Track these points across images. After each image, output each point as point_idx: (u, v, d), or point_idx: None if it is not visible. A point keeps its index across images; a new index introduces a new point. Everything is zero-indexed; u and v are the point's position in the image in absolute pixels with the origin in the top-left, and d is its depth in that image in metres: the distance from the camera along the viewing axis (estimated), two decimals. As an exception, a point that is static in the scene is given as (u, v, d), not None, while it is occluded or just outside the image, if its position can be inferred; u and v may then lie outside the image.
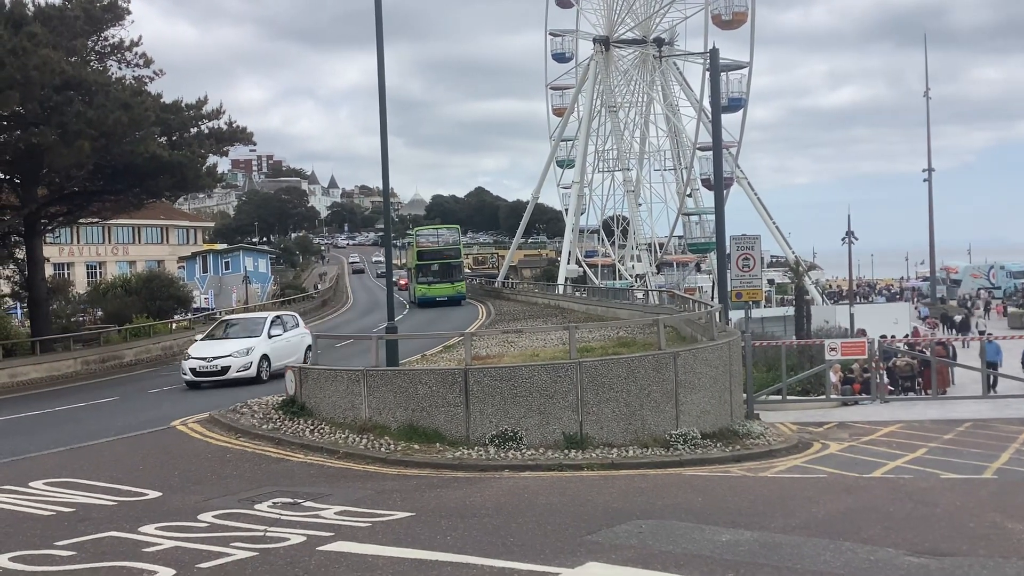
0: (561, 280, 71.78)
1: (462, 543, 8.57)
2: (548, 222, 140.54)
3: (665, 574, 7.43)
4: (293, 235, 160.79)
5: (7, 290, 39.61)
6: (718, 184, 25.54)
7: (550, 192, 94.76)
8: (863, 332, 35.05)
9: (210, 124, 36.60)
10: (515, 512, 10.26)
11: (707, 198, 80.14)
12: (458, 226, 74.60)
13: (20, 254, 37.57)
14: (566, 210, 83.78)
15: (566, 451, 14.43)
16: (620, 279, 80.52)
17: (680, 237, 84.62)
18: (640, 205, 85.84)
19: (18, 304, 42.63)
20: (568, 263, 78.08)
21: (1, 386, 28.92)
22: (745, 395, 19.90)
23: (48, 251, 44.91)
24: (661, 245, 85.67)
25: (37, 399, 24.85)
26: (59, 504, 10.95)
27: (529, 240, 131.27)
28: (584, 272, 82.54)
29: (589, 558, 7.95)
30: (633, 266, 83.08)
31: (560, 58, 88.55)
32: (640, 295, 51.16)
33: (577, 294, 56.32)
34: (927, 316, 52.89)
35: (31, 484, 12.15)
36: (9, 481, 12.37)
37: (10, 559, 8.27)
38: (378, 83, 20.32)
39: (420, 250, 60.14)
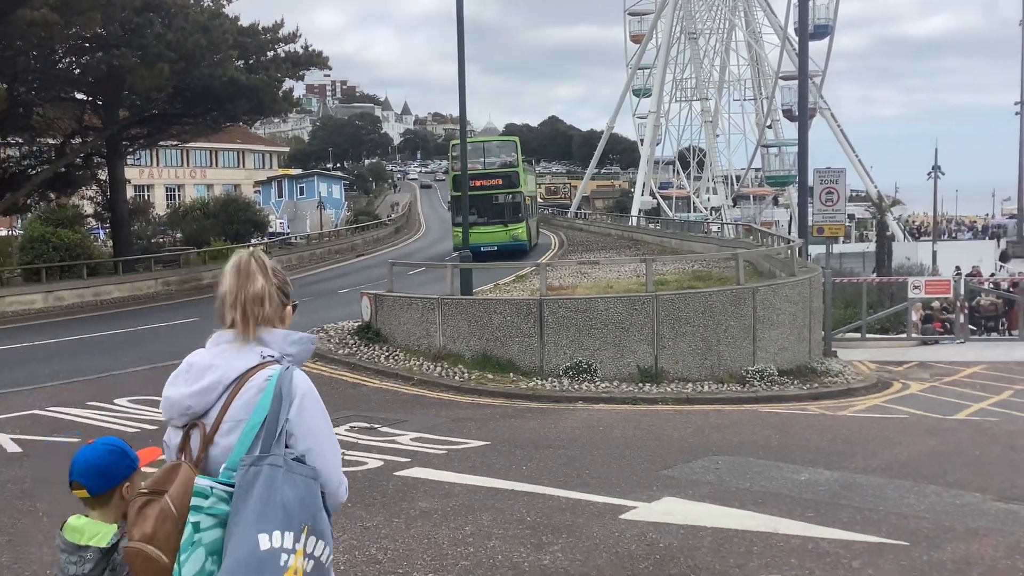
0: (634, 212, 71.06)
1: (537, 473, 8.56)
2: (622, 152, 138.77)
3: (743, 511, 7.32)
4: (366, 161, 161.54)
5: (90, 210, 40.64)
6: (802, 115, 24.74)
7: (625, 122, 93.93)
8: (958, 270, 33.94)
9: (286, 48, 36.63)
10: (589, 444, 10.23)
11: (788, 129, 78.37)
12: (516, 138, 47.03)
13: (103, 175, 38.47)
14: (641, 140, 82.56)
15: (640, 385, 14.32)
16: (695, 211, 79.45)
17: (758, 170, 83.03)
18: (718, 136, 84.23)
19: (100, 225, 43.75)
20: (642, 194, 77.19)
21: (86, 304, 29.84)
22: (824, 332, 19.49)
23: (129, 173, 45.88)
24: (738, 177, 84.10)
25: (120, 318, 25.56)
26: (143, 421, 11.25)
27: (602, 171, 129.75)
28: (658, 204, 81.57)
29: (666, 493, 7.87)
30: (709, 198, 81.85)
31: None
32: (715, 228, 50.36)
33: (651, 226, 55.67)
34: None
35: (116, 401, 12.50)
36: (96, 398, 12.75)
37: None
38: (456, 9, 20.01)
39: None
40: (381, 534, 6.71)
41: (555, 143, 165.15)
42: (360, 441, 10.04)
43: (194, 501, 2.47)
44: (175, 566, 2.44)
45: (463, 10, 20.13)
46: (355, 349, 16.35)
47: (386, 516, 7.14)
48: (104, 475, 2.81)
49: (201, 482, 2.48)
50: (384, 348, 16.20)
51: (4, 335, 22.50)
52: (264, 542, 2.38)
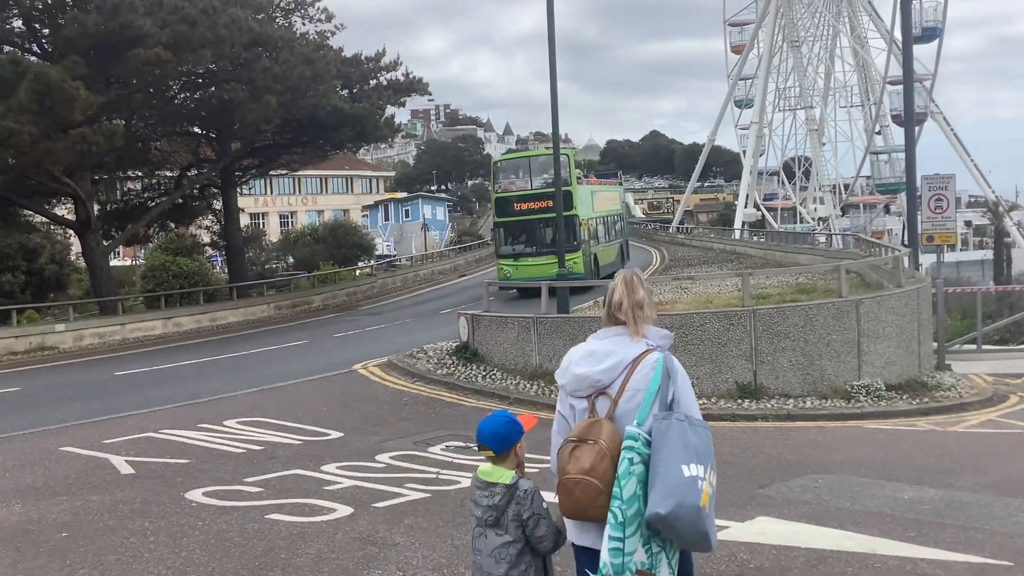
0: (738, 224, 69.95)
1: (629, 492, 8.50)
2: (725, 165, 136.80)
3: (840, 531, 7.14)
4: (469, 183, 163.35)
5: (207, 239, 42.32)
6: (909, 120, 23.98)
7: (727, 134, 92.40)
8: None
9: (388, 76, 37.64)
10: (684, 462, 10.09)
11: (897, 135, 75.89)
12: (570, 151, 42.38)
13: (217, 205, 40.08)
14: (744, 152, 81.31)
15: (739, 401, 14.08)
16: (801, 223, 77.65)
17: (867, 177, 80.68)
18: (824, 144, 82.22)
19: (218, 253, 45.55)
20: (745, 207, 75.94)
21: (203, 329, 31.05)
22: (935, 344, 18.80)
23: (243, 202, 47.67)
24: (846, 186, 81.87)
25: (233, 342, 26.51)
26: (249, 442, 11.63)
27: (705, 184, 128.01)
28: (762, 216, 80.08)
29: (760, 512, 7.74)
30: (815, 209, 79.90)
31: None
32: (822, 239, 49.16)
33: (755, 239, 54.70)
34: None
35: (225, 423, 12.97)
36: (206, 420, 13.25)
37: (203, 494, 8.87)
38: (548, 27, 20.15)
39: (501, 197, 34.41)
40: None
41: (657, 158, 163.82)
42: (455, 460, 10.18)
43: (627, 443, 3.52)
44: (615, 489, 3.46)
45: (554, 26, 20.26)
46: (453, 369, 16.58)
47: (476, 535, 7.22)
48: (504, 439, 3.96)
49: (632, 430, 3.55)
50: (481, 367, 16.38)
51: (125, 361, 23.62)
52: (686, 471, 3.41)
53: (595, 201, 35.62)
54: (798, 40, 79.96)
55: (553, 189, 30.31)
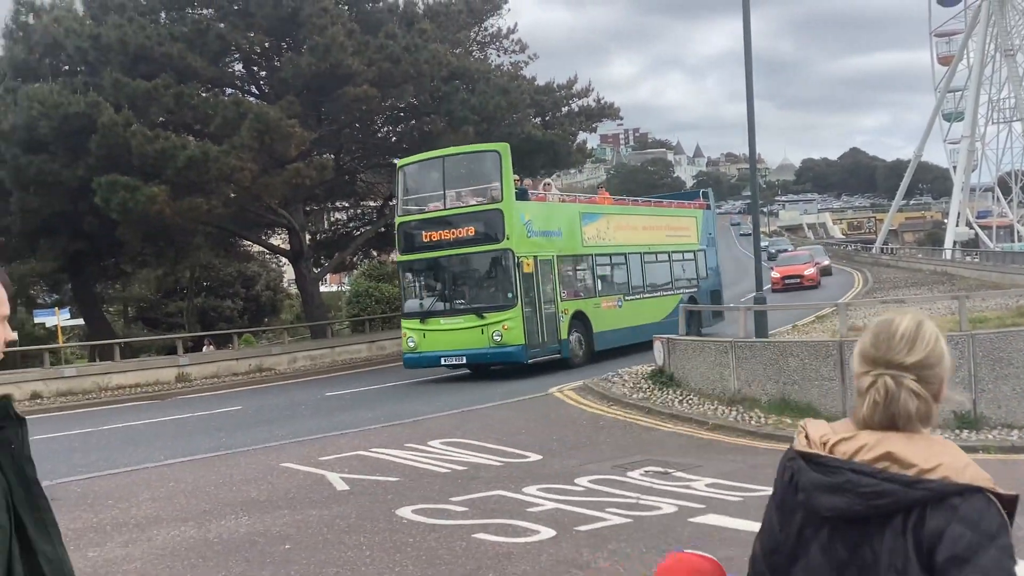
0: (948, 244, 65.99)
1: (839, 524, 8.20)
2: (932, 181, 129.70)
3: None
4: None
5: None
6: None
7: (935, 149, 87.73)
8: None
9: (579, 102, 38.09)
10: (898, 495, 9.62)
11: None
12: (501, 147, 21.71)
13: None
14: (954, 167, 76.71)
15: (957, 431, 13.24)
16: (1020, 241, 72.39)
17: (1095, 191, 74.34)
18: (1044, 158, 76.50)
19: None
20: (957, 225, 71.53)
21: (397, 354, 32.22)
22: None
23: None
24: (1070, 202, 75.76)
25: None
26: (453, 462, 12.00)
27: (911, 202, 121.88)
28: (976, 235, 75.20)
29: (984, 551, 7.27)
30: (1036, 227, 74.36)
31: (946, 1, 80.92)
32: (1045, 259, 45.59)
33: (968, 259, 51.45)
34: None
35: (430, 443, 13.44)
36: (412, 440, 13.78)
37: (412, 511, 9.24)
38: (744, 44, 19.86)
39: (405, 222, 23.29)
40: (675, 579, 6.74)
41: (856, 176, 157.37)
42: (655, 486, 10.11)
43: None
44: None
45: (751, 43, 19.94)
46: (649, 393, 16.49)
47: (680, 562, 7.15)
48: None
49: None
50: (678, 392, 16.21)
51: (335, 382, 24.93)
52: None
53: (586, 229, 24.18)
54: (1012, 49, 74.91)
55: (478, 208, 21.90)
